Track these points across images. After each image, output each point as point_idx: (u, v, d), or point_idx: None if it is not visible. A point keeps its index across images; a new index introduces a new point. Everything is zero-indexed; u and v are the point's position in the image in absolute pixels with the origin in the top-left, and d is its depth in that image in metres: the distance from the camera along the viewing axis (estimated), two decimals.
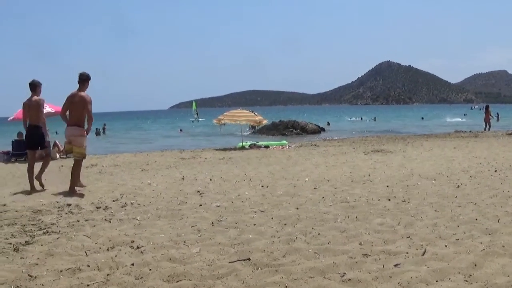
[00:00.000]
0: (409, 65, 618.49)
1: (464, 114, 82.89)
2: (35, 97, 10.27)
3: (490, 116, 33.92)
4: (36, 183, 10.20)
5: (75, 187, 9.81)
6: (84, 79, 9.94)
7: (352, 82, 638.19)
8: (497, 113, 49.93)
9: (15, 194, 9.71)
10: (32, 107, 10.21)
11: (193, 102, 69.99)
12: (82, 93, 9.85)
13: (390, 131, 40.46)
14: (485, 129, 32.37)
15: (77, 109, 9.81)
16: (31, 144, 10.49)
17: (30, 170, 10.27)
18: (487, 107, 34.69)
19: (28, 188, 10.14)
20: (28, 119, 10.38)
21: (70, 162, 16.17)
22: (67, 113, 10.06)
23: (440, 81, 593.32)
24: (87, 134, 10.07)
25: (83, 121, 9.93)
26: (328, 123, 54.39)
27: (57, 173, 11.02)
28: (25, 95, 10.23)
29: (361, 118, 76.34)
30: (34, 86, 10.32)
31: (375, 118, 73.10)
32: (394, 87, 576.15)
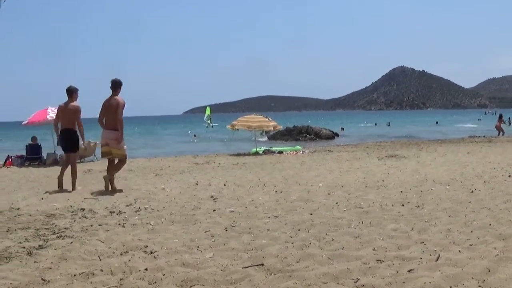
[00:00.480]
0: (423, 70, 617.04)
1: (478, 119, 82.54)
2: (72, 103, 10.83)
3: (503, 123, 34.20)
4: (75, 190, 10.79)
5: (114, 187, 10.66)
6: (116, 86, 10.47)
7: (366, 87, 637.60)
8: (509, 118, 49.69)
9: (29, 198, 9.77)
10: (68, 112, 10.79)
11: (207, 107, 69.61)
12: (118, 97, 10.38)
13: (404, 137, 40.29)
14: (498, 135, 32.33)
15: (112, 113, 10.32)
16: (65, 147, 11.09)
17: (62, 172, 10.88)
18: (500, 116, 34.96)
19: (41, 192, 10.43)
20: (61, 122, 11.00)
21: (84, 166, 16.28)
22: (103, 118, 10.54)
23: (454, 86, 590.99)
24: (121, 141, 10.59)
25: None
26: (342, 129, 54.38)
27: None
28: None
29: (375, 124, 76.22)
30: (71, 92, 10.93)
31: (389, 123, 72.92)
32: (408, 92, 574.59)
